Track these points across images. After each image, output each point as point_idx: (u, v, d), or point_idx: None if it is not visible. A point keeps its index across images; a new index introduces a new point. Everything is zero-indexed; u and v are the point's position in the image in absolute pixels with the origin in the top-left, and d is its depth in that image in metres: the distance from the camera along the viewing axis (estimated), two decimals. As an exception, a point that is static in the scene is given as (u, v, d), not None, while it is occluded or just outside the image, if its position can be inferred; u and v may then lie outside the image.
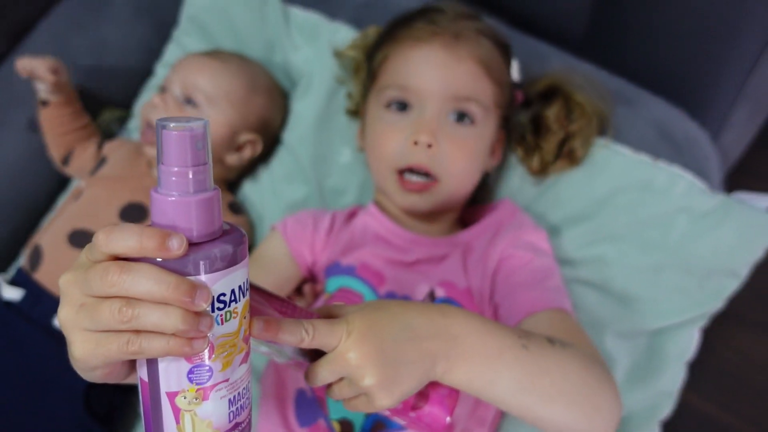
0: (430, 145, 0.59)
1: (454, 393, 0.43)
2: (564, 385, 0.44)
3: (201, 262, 0.31)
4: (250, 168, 0.81)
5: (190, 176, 0.31)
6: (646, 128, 0.71)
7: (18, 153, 0.83)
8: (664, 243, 0.65)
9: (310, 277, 0.66)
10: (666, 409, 0.64)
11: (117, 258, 0.31)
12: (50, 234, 0.71)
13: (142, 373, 0.34)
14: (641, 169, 0.67)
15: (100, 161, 0.78)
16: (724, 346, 0.88)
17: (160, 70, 0.90)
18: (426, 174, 0.60)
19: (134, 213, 0.71)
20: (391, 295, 0.60)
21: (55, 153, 0.81)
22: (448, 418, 0.42)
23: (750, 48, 0.74)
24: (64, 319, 0.32)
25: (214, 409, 0.34)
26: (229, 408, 0.34)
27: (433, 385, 0.42)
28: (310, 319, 0.39)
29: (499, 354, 0.42)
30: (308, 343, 0.37)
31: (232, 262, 0.32)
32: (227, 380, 0.33)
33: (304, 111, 0.79)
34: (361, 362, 0.37)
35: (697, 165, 0.70)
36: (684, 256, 0.64)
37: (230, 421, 0.35)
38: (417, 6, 0.69)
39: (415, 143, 0.59)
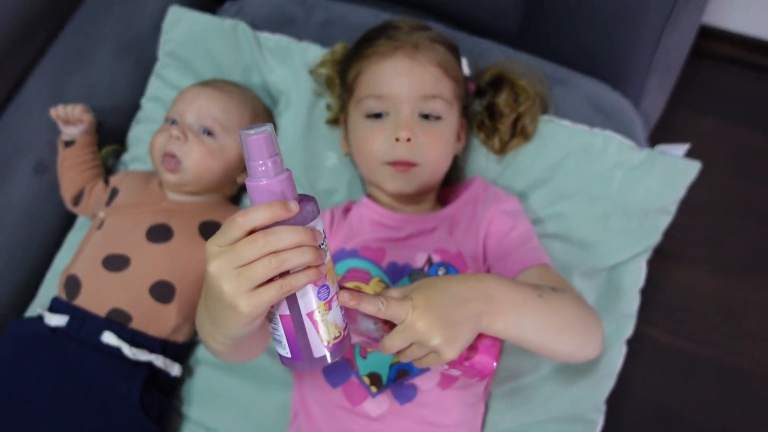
0: (408, 139, 0.71)
1: (496, 342, 0.55)
2: (570, 321, 0.59)
3: (307, 215, 0.43)
4: (248, 181, 0.91)
5: (272, 165, 0.42)
6: (580, 103, 0.86)
7: (27, 197, 0.90)
8: (608, 194, 0.80)
9: None
10: (629, 329, 0.79)
11: (251, 231, 0.42)
12: (83, 263, 0.79)
13: (282, 310, 0.45)
14: (581, 137, 0.82)
15: (112, 192, 0.86)
16: (667, 282, 1.02)
17: (146, 104, 0.98)
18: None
19: (160, 233, 0.79)
20: (393, 266, 0.71)
21: (68, 192, 0.88)
22: (494, 363, 0.54)
23: (655, 24, 0.90)
24: (227, 291, 0.43)
25: (336, 314, 0.47)
26: (341, 312, 0.48)
27: (479, 337, 0.55)
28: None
29: (524, 304, 0.55)
30: (383, 313, 0.49)
31: (317, 212, 0.45)
32: (335, 293, 0.46)
33: (288, 125, 0.90)
34: (428, 328, 0.49)
35: (624, 128, 0.85)
36: (624, 202, 0.79)
37: (344, 322, 0.48)
38: (373, 23, 0.81)
39: (397, 139, 0.71)
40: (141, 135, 0.97)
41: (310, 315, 0.45)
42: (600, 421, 0.75)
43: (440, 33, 0.78)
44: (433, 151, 0.73)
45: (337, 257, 0.74)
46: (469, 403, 0.69)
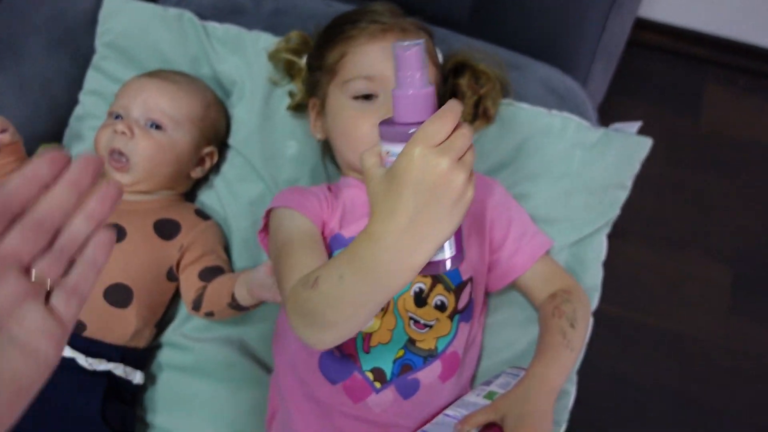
0: None
1: None
2: (585, 332, 0.72)
3: None
4: (203, 177, 0.87)
5: (421, 76, 0.43)
6: (536, 86, 0.88)
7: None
8: (568, 173, 0.81)
9: None
10: (595, 301, 0.81)
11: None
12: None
13: None
14: (540, 119, 0.83)
15: (53, 194, 0.80)
16: (611, 257, 1.06)
17: (85, 99, 0.92)
18: None
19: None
20: None
21: None
22: None
23: (600, 10, 0.93)
24: (462, 182, 0.41)
25: None
26: None
27: None
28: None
29: (567, 366, 0.67)
30: None
31: None
32: None
33: (243, 115, 0.86)
34: None
35: (578, 109, 0.88)
36: (584, 180, 0.81)
37: None
38: (325, 12, 0.79)
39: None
40: (81, 131, 0.90)
41: None
42: (573, 391, 0.77)
43: (419, 20, 0.77)
44: None
45: (335, 244, 0.69)
46: (459, 392, 0.70)
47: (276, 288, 0.66)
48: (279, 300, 0.68)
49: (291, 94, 0.85)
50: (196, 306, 0.76)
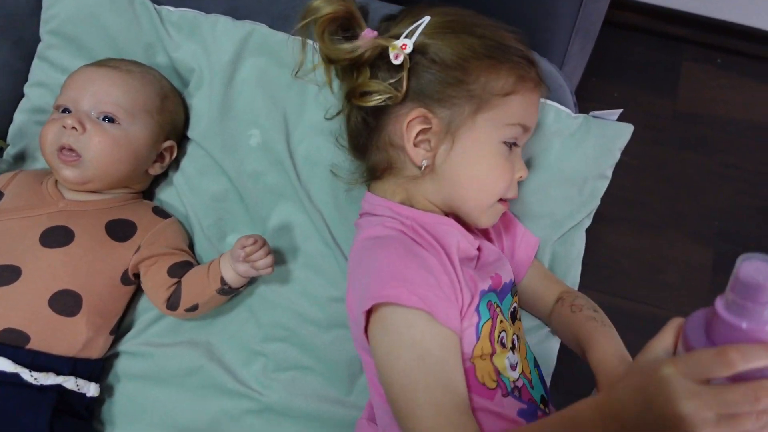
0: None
1: None
2: None
3: None
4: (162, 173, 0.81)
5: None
6: (510, 69, 0.84)
7: None
8: (547, 163, 0.77)
9: None
10: (574, 294, 0.78)
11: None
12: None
13: None
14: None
15: (-5, 196, 0.74)
16: (591, 242, 1.04)
17: (31, 91, 0.86)
18: None
19: (58, 236, 0.69)
20: (509, 284, 0.66)
21: None
22: None
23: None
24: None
25: None
26: None
27: None
28: None
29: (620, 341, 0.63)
30: None
31: None
32: None
33: (202, 105, 0.81)
34: None
35: (556, 94, 0.84)
36: (563, 170, 0.78)
37: None
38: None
39: (519, 178, 0.65)
40: (27, 127, 0.84)
41: None
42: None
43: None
44: None
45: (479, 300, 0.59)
46: None
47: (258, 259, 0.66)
48: (260, 272, 0.67)
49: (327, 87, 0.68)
50: (173, 305, 0.71)
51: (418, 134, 0.61)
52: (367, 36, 0.61)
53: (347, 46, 0.61)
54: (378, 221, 0.62)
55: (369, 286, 0.53)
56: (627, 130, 0.77)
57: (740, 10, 1.41)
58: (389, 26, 0.63)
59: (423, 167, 0.61)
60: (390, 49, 0.59)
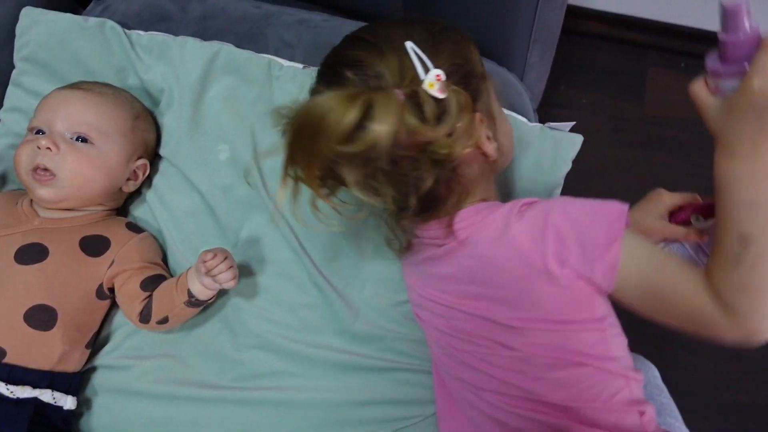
0: None
1: None
2: None
3: None
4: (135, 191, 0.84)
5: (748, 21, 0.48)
6: (469, 78, 0.87)
7: None
8: (503, 175, 0.80)
9: None
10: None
11: None
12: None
13: None
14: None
15: (-29, 217, 0.76)
16: None
17: (5, 116, 0.88)
18: None
19: (32, 253, 0.71)
20: None
21: None
22: None
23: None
24: None
25: None
26: None
27: None
28: None
29: None
30: None
31: None
32: None
33: (173, 123, 0.83)
34: None
35: (515, 103, 0.87)
36: (521, 178, 0.81)
37: None
38: (255, 13, 0.72)
39: None
40: (2, 152, 0.86)
41: None
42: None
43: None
44: None
45: None
46: None
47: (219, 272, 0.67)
48: (223, 285, 0.68)
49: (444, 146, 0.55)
50: (145, 317, 0.73)
51: (486, 131, 0.62)
52: (401, 98, 0.53)
53: (431, 129, 0.54)
54: (505, 209, 0.60)
55: (597, 234, 0.55)
56: (577, 140, 0.81)
57: (698, 15, 1.46)
58: (379, 77, 0.56)
59: (495, 156, 0.62)
60: (428, 88, 0.55)
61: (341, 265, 0.78)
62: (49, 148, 0.72)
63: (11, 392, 0.65)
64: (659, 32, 1.50)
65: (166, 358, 0.77)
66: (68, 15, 0.88)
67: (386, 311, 0.76)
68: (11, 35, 0.88)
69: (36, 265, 0.70)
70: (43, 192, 0.73)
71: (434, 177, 0.57)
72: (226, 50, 0.84)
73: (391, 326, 0.76)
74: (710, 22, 1.46)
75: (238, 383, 0.75)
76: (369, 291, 0.77)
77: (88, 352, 0.75)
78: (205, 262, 0.67)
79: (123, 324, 0.79)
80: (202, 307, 0.74)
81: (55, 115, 0.74)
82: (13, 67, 0.89)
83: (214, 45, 0.84)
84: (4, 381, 0.65)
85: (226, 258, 0.68)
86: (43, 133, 0.74)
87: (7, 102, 0.89)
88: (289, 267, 0.78)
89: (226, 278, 0.68)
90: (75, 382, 0.73)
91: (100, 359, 0.77)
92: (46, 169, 0.73)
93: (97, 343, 0.78)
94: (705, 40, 1.48)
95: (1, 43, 0.89)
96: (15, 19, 0.88)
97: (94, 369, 0.77)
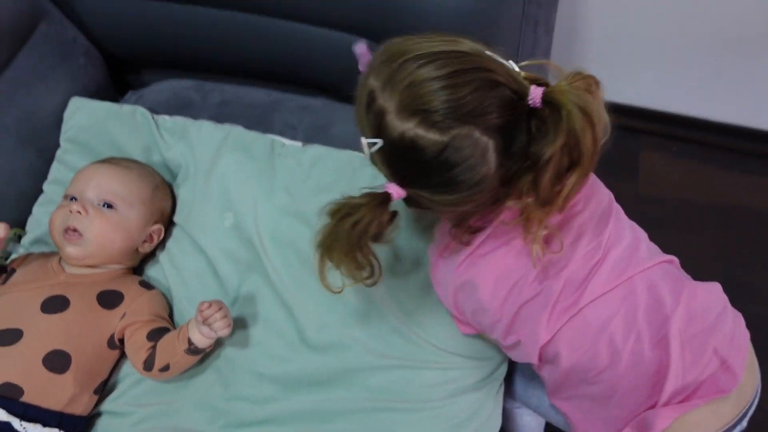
0: None
1: None
2: None
3: None
4: (151, 252, 0.95)
5: None
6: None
7: None
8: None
9: None
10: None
11: None
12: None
13: None
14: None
15: (9, 273, 0.87)
16: None
17: (48, 188, 1.02)
18: None
19: (56, 304, 0.81)
20: None
21: None
22: None
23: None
24: None
25: None
26: None
27: None
28: None
29: None
30: None
31: None
32: None
33: (187, 194, 0.95)
34: None
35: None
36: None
37: None
38: (266, 101, 0.85)
39: None
40: (41, 216, 0.99)
41: None
42: None
43: None
44: None
45: None
46: None
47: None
48: (218, 333, 0.76)
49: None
50: (149, 365, 0.81)
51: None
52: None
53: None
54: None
55: None
56: None
57: (687, 103, 1.56)
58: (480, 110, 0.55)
59: None
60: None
61: (331, 324, 0.85)
62: (79, 212, 0.84)
63: (24, 428, 0.73)
64: (651, 119, 1.60)
65: (163, 406, 0.84)
66: (107, 103, 1.03)
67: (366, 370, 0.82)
68: (59, 120, 1.03)
69: (58, 315, 0.80)
70: (71, 249, 0.84)
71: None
72: (236, 131, 0.97)
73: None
74: (698, 109, 1.56)
75: (224, 431, 0.81)
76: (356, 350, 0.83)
77: (96, 397, 0.83)
78: (202, 311, 0.75)
79: (130, 373, 0.87)
80: (200, 355, 0.82)
81: (86, 185, 0.87)
82: (57, 145, 1.03)
83: (226, 127, 0.98)
84: (18, 417, 0.73)
85: (221, 308, 0.76)
86: (76, 199, 0.87)
87: (50, 176, 1.02)
88: (279, 325, 0.86)
89: (220, 326, 0.76)
90: (81, 425, 0.80)
91: (106, 405, 0.85)
92: (75, 230, 0.84)
93: (105, 390, 0.85)
94: (693, 126, 1.58)
95: (53, 126, 1.04)
96: (64, 106, 1.04)
97: (99, 414, 0.84)
